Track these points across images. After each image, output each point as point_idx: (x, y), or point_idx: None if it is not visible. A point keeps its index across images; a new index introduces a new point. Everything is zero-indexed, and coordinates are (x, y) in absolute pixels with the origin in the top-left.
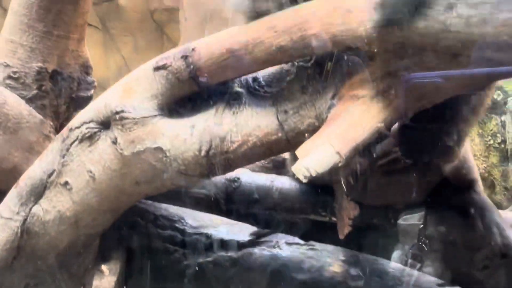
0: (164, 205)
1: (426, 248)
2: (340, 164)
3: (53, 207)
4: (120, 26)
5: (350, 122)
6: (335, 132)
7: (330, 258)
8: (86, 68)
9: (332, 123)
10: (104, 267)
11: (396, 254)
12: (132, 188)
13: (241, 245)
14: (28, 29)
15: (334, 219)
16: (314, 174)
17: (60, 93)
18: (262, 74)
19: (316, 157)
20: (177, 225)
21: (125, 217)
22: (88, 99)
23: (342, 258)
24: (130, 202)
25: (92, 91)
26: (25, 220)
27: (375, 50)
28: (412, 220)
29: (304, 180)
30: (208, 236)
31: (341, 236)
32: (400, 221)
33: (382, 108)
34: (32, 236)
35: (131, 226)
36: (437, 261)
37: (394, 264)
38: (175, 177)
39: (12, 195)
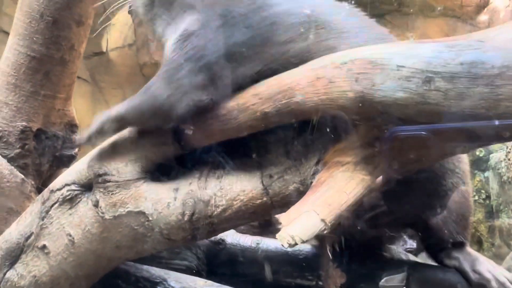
0: (145, 266)
1: None
2: (325, 232)
3: (29, 272)
4: (110, 79)
5: (334, 189)
6: (319, 199)
7: None
8: (71, 127)
9: (317, 190)
10: None
11: None
12: (112, 252)
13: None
14: (15, 88)
15: (320, 283)
16: (299, 242)
17: (43, 151)
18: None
19: (300, 224)
20: (159, 287)
21: (105, 278)
22: (72, 158)
23: None
24: (109, 267)
25: (76, 150)
26: None
27: (357, 119)
28: (394, 281)
29: (289, 248)
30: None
31: None
32: (382, 283)
33: (367, 174)
34: None
35: None
36: None
37: None
38: (157, 242)
39: None
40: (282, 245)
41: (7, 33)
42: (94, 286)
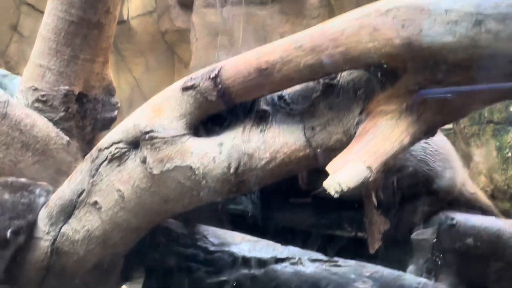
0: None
1: (440, 262)
2: (371, 179)
3: (83, 226)
4: (132, 47)
5: (379, 137)
6: (365, 147)
7: (354, 274)
8: (110, 90)
9: (362, 139)
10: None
11: (410, 268)
12: (160, 206)
13: (264, 262)
14: (56, 53)
15: (359, 234)
16: (345, 189)
17: (85, 115)
18: (288, 92)
19: (347, 172)
20: (199, 243)
21: (149, 236)
22: (112, 120)
23: (366, 274)
24: (157, 220)
25: (115, 112)
26: (55, 239)
27: (403, 66)
28: (425, 234)
29: (336, 195)
30: (230, 254)
31: (372, 251)
32: (414, 236)
33: (411, 122)
34: (62, 256)
35: (153, 245)
36: (451, 274)
37: (418, 279)
38: (203, 195)
39: (42, 215)
40: (330, 193)
41: (31, 5)
42: (138, 243)
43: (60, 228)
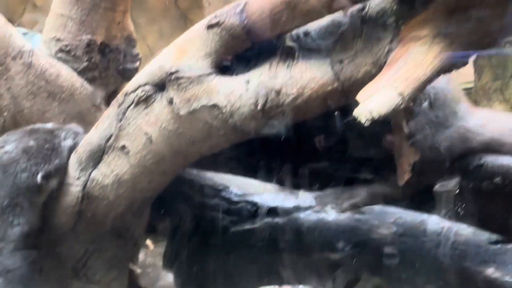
0: (209, 175)
1: (462, 213)
2: (402, 106)
3: (112, 171)
4: (145, 15)
5: (411, 63)
6: (396, 74)
7: (377, 221)
8: (130, 41)
9: (392, 66)
10: (149, 242)
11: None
12: (187, 148)
13: (287, 211)
14: (77, 2)
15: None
16: (377, 117)
17: (108, 65)
18: (314, 27)
19: (378, 99)
20: (223, 193)
21: (171, 187)
22: (134, 71)
23: (389, 220)
24: (185, 162)
25: (137, 64)
26: (85, 185)
27: None
28: (448, 186)
29: (367, 124)
30: (253, 204)
31: (401, 183)
32: (436, 188)
33: (444, 47)
34: (92, 201)
35: (177, 196)
36: (473, 225)
37: (442, 223)
38: (230, 134)
39: (72, 161)
40: (361, 121)
41: None
42: (163, 195)
43: (90, 174)
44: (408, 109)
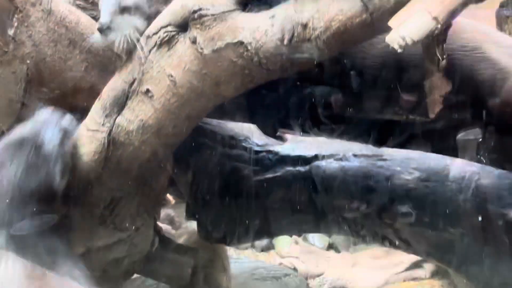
0: (229, 125)
1: (485, 161)
2: (436, 31)
3: (136, 116)
4: None
5: None
6: None
7: (400, 167)
8: None
9: None
10: (169, 196)
11: None
12: (211, 90)
13: (308, 160)
14: None
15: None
16: (410, 43)
17: None
18: None
19: (411, 24)
20: (244, 144)
21: (193, 138)
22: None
23: (412, 166)
24: (209, 106)
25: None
26: (110, 131)
27: None
28: (471, 135)
29: (400, 50)
30: (275, 153)
31: (432, 115)
32: (459, 137)
33: None
34: (118, 147)
35: (198, 147)
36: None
37: (466, 168)
38: (256, 73)
39: (96, 108)
40: (393, 48)
41: None
42: (183, 144)
43: (115, 119)
44: (442, 34)
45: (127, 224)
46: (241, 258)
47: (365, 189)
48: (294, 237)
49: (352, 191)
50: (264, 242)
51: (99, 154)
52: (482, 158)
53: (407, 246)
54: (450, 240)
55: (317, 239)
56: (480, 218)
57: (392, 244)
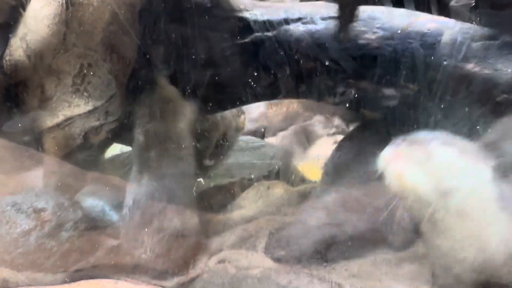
0: None
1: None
2: None
3: None
4: None
5: None
6: None
7: (365, 27)
8: None
9: None
10: None
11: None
12: None
13: (276, 24)
14: None
15: None
16: None
17: None
18: None
19: None
20: (214, 11)
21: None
22: None
23: (377, 25)
24: None
25: None
26: None
27: None
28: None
29: None
30: (243, 19)
31: None
32: (452, 3)
33: None
34: (77, 8)
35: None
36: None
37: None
38: None
39: None
40: None
41: None
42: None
43: None
44: None
45: (101, 92)
46: None
47: (331, 51)
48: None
49: (318, 53)
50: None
51: (59, 17)
52: (474, 23)
53: (371, 108)
54: (409, 96)
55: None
56: (438, 72)
57: (356, 104)
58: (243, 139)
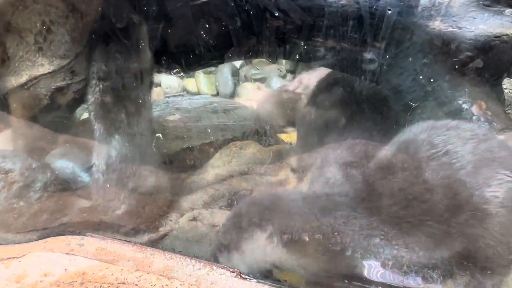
0: None
1: None
2: None
3: None
4: None
5: None
6: None
7: None
8: None
9: None
10: None
11: None
12: None
13: None
14: None
15: None
16: None
17: None
18: None
19: None
20: None
21: None
22: None
23: None
24: None
25: None
26: None
27: None
28: None
29: None
30: None
31: None
32: None
33: None
34: None
35: None
36: None
37: None
38: None
39: None
40: None
41: None
42: None
43: None
44: None
45: (65, 51)
46: (197, 97)
47: (297, 11)
48: (257, 83)
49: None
50: (229, 89)
51: None
52: None
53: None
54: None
55: (276, 82)
56: (399, 30)
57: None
58: (217, 101)
